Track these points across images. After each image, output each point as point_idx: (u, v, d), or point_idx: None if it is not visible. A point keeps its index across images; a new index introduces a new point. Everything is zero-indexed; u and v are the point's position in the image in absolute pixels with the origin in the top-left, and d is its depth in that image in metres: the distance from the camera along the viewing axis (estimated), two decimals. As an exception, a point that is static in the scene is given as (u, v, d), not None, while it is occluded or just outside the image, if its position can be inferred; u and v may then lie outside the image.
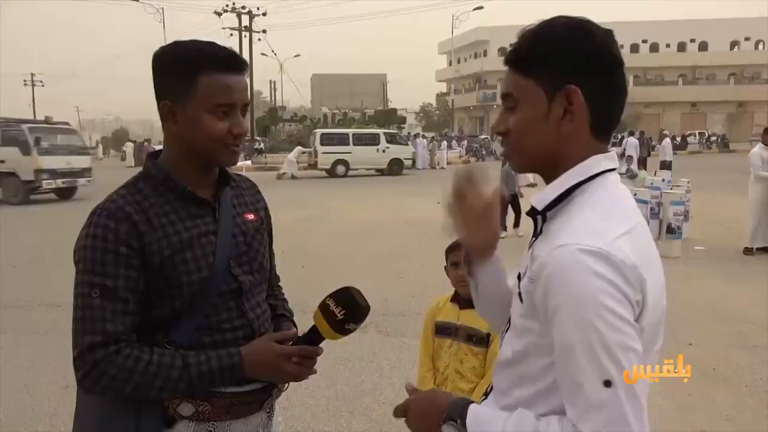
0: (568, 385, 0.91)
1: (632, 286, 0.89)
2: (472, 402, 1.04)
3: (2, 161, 15.93)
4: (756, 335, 4.97)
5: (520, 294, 1.03)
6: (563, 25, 1.02)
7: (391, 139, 25.17)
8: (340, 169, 23.81)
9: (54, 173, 16.04)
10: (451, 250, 2.45)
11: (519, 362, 1.03)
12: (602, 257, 0.88)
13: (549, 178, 1.06)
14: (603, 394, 0.86)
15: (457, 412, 1.02)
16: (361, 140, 24.51)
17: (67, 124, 19.91)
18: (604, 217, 0.95)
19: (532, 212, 1.06)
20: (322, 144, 23.72)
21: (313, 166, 24.03)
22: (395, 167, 24.48)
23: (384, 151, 24.40)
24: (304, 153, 24.82)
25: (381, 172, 24.48)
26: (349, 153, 23.92)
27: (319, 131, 25.45)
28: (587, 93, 0.99)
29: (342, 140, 24.24)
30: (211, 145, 1.32)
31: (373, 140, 24.70)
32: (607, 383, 0.86)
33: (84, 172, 17.00)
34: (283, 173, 23.45)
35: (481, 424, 0.99)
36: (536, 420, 0.95)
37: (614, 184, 1.03)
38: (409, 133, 40.70)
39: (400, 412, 1.12)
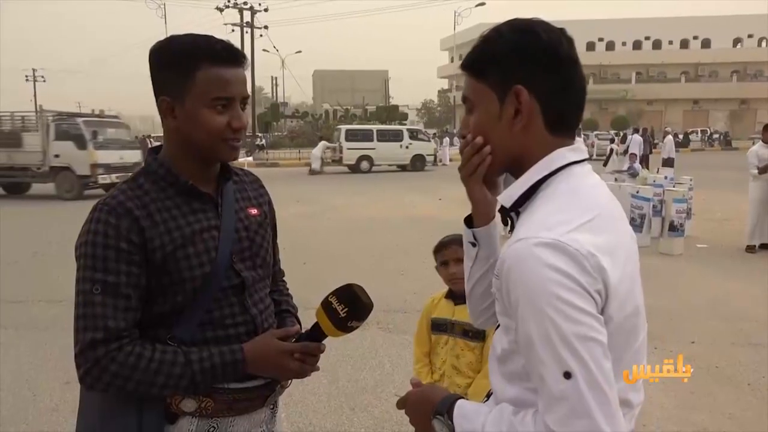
0: (535, 378, 0.91)
1: (590, 276, 0.88)
2: (462, 397, 1.06)
3: (57, 156, 15.53)
4: (758, 333, 4.96)
5: (495, 292, 1.04)
6: (511, 27, 1.04)
7: (414, 136, 25.41)
8: (365, 164, 23.98)
9: (108, 168, 15.59)
10: (438, 250, 2.43)
11: (507, 360, 1.03)
12: (556, 248, 0.88)
13: (518, 177, 1.07)
14: (563, 386, 0.86)
15: (445, 407, 1.04)
16: (384, 136, 24.73)
17: (116, 117, 19.70)
18: (562, 209, 0.96)
19: (502, 210, 1.08)
20: (346, 140, 23.97)
21: (338, 161, 24.35)
22: (418, 163, 24.65)
23: (407, 147, 24.58)
24: (328, 149, 25.01)
25: (403, 168, 24.61)
26: (373, 149, 24.11)
27: (344, 127, 25.67)
28: (536, 92, 1.01)
29: (366, 136, 24.47)
30: (210, 140, 1.30)
31: (396, 136, 24.93)
32: (567, 375, 0.86)
33: (135, 167, 16.71)
34: (315, 169, 23.64)
35: (466, 418, 1.01)
36: (513, 414, 0.96)
37: (580, 176, 1.03)
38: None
39: (401, 404, 1.16)
